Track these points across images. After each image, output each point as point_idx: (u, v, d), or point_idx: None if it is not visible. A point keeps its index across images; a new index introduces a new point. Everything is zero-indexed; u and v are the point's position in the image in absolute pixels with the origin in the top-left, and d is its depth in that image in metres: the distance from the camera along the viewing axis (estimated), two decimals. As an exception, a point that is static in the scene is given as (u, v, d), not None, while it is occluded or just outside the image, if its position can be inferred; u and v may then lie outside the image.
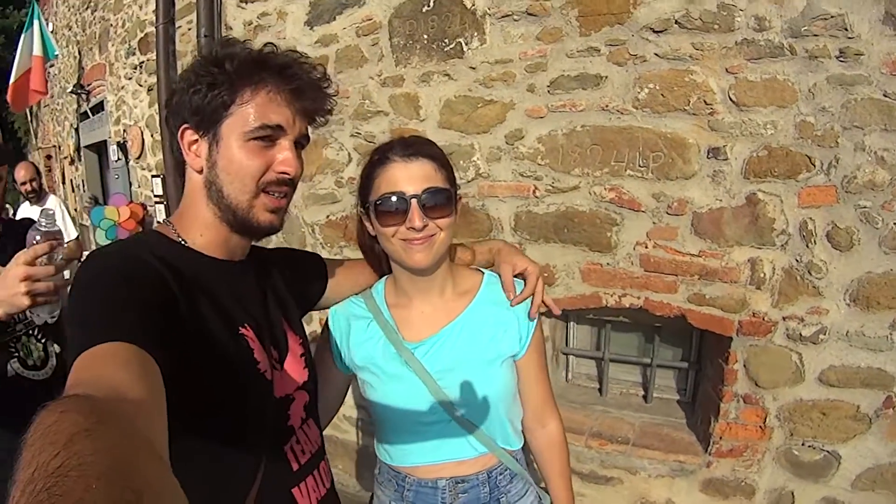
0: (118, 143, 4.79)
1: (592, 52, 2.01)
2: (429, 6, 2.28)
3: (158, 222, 0.96)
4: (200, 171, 0.91)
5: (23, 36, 6.24)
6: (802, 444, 1.87)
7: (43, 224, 1.18)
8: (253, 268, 1.02)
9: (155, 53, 3.29)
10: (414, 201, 1.05)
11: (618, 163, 2.03)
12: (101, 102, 5.41)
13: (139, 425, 0.49)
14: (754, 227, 1.82)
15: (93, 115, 5.84)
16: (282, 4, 2.67)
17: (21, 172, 4.23)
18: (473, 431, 1.17)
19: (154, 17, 3.25)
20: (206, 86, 0.87)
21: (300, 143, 0.94)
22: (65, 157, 7.60)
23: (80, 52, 6.06)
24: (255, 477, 0.89)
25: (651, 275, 2.01)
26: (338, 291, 1.26)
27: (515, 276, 1.22)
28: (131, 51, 4.21)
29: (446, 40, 2.28)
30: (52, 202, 4.42)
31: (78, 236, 3.82)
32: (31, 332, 1.67)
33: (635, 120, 1.98)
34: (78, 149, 6.83)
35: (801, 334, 1.80)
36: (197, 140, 0.91)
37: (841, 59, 1.65)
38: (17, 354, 1.62)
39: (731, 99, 1.80)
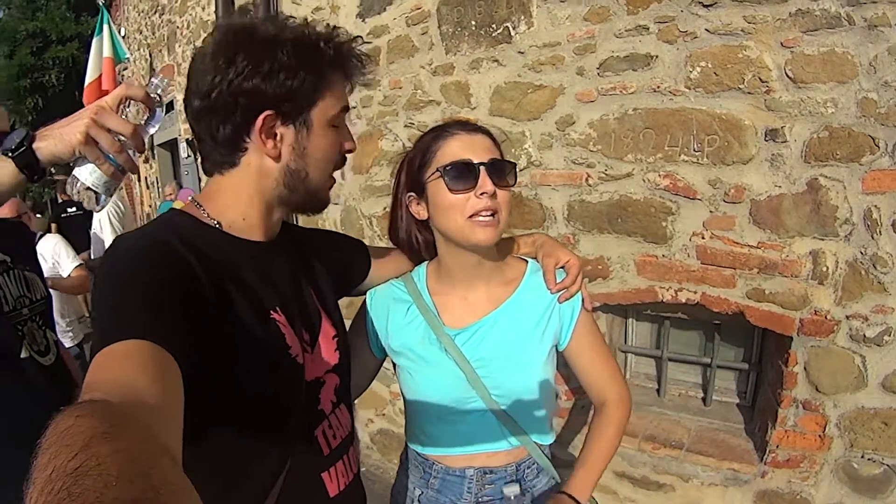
0: (187, 141, 5.54)
1: (641, 30, 2.16)
2: (475, -9, 2.53)
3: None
4: (278, 159, 0.99)
5: (94, 40, 7.33)
6: (862, 457, 1.93)
7: (153, 84, 1.13)
8: (286, 247, 1.12)
9: None
10: (483, 168, 1.18)
11: (671, 147, 2.17)
12: (172, 102, 6.25)
13: (154, 429, 0.56)
14: (816, 215, 1.90)
15: (164, 114, 6.79)
16: (335, -3, 3.05)
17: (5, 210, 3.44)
18: (508, 423, 1.30)
19: (215, 17, 3.77)
20: (282, 71, 0.93)
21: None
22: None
23: (150, 55, 7.11)
24: (284, 461, 1.00)
25: (708, 268, 2.15)
26: (380, 276, 1.41)
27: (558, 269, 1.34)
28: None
29: (494, 25, 2.52)
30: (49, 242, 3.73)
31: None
32: (35, 317, 1.84)
33: (688, 101, 2.11)
34: (151, 147, 7.88)
35: (864, 335, 1.87)
36: (280, 127, 0.98)
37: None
38: (24, 338, 1.76)
39: (787, 75, 1.89)
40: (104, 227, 4.78)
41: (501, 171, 1.21)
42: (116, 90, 1.06)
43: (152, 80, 1.14)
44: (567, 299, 1.31)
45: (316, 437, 1.07)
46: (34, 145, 1.02)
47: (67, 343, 3.36)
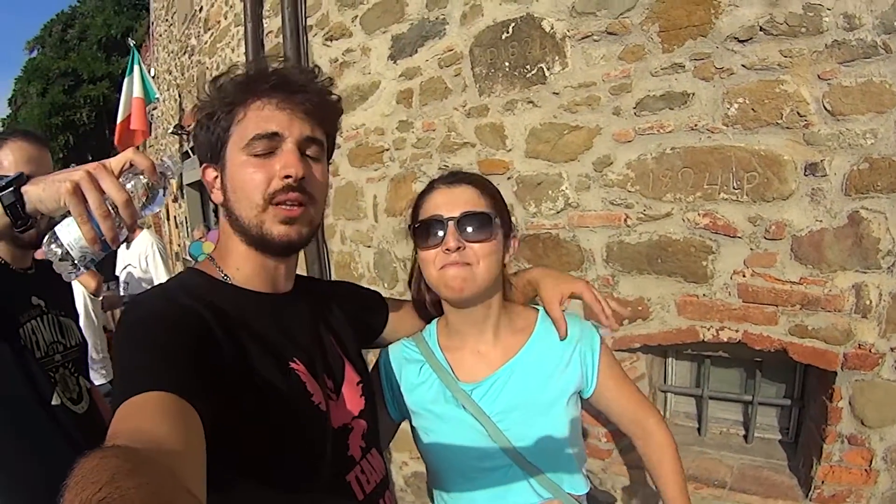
0: None
1: (677, 68, 2.33)
2: (508, 32, 2.75)
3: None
4: (222, 204, 1.11)
5: (125, 80, 8.10)
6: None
7: (165, 163, 1.03)
8: (301, 298, 1.20)
9: None
10: (451, 224, 1.26)
11: (711, 185, 2.30)
12: None
13: (176, 471, 0.62)
14: (858, 248, 1.99)
15: (193, 154, 7.25)
16: (365, 40, 3.33)
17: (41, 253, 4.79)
18: (537, 476, 1.31)
19: (245, 59, 4.09)
20: (206, 119, 1.09)
21: (309, 148, 1.09)
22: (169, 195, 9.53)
23: (180, 95, 7.68)
24: None
25: (750, 306, 2.23)
26: (398, 328, 1.49)
27: (570, 296, 1.39)
28: None
29: (528, 66, 2.72)
30: (144, 239, 4.93)
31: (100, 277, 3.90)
32: (67, 364, 1.91)
33: (726, 138, 2.24)
34: (181, 187, 8.33)
35: (911, 368, 1.91)
36: (216, 174, 1.11)
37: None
38: (57, 385, 1.83)
39: (825, 108, 2.02)
40: (152, 265, 4.83)
41: (475, 225, 1.27)
42: (123, 153, 0.99)
43: (164, 158, 1.06)
44: (616, 321, 1.37)
45: (349, 483, 1.12)
46: (23, 188, 0.96)
47: (99, 381, 3.54)
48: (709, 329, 2.35)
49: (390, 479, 1.32)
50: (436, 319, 1.48)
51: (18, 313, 1.78)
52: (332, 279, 1.63)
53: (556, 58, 2.64)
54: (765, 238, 2.19)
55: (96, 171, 0.91)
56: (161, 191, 1.02)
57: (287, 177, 1.03)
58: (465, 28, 2.91)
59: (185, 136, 7.54)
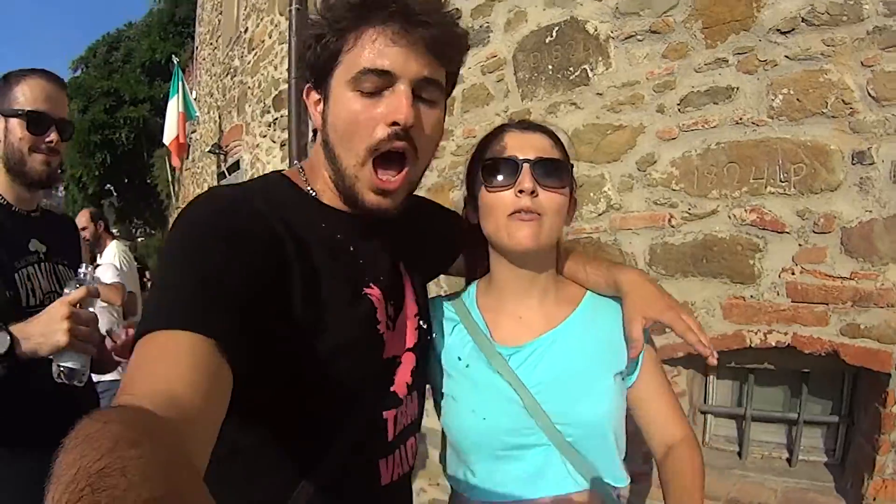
0: None
1: (720, 63, 2.50)
2: (552, 36, 2.99)
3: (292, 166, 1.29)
4: (320, 129, 1.10)
5: (170, 101, 9.00)
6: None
7: (81, 273, 1.66)
8: (385, 221, 1.14)
9: (287, 109, 4.49)
10: (526, 165, 1.25)
11: (757, 180, 2.43)
12: (238, 161, 7.43)
13: (183, 438, 0.64)
14: (910, 238, 2.07)
15: (229, 174, 7.89)
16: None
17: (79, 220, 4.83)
18: (575, 460, 1.27)
19: (287, 75, 4.45)
20: (314, 39, 1.04)
21: (425, 90, 1.03)
22: None
23: (220, 117, 8.42)
24: (347, 440, 1.07)
25: (799, 305, 2.32)
26: (458, 267, 1.52)
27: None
28: (266, 109, 5.94)
29: (571, 68, 2.93)
30: (111, 250, 5.07)
31: (123, 286, 4.38)
32: None
33: (772, 131, 2.38)
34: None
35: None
36: (318, 100, 1.10)
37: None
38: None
39: (870, 95, 2.15)
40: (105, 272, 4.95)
41: (550, 171, 1.27)
42: (76, 293, 1.59)
43: (80, 270, 1.73)
44: (708, 352, 1.28)
45: (385, 420, 1.14)
46: (17, 351, 1.53)
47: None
48: (756, 333, 2.43)
49: (420, 427, 1.29)
50: (476, 281, 1.48)
51: (14, 258, 1.81)
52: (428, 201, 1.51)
53: (600, 59, 2.84)
54: (813, 232, 2.29)
55: (73, 318, 1.53)
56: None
57: (394, 123, 0.99)
58: (509, 34, 3.16)
59: (222, 156, 8.21)
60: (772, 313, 2.39)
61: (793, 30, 2.31)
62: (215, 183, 8.78)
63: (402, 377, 1.18)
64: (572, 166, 1.35)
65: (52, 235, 1.96)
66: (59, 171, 1.96)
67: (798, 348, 2.33)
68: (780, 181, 2.36)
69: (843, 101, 2.21)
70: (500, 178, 1.27)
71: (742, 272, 2.46)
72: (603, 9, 2.81)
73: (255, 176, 5.47)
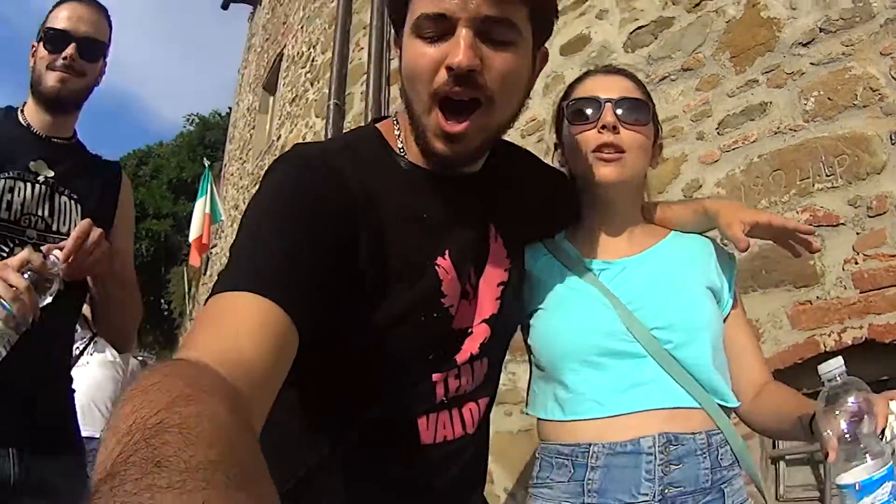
0: None
1: (751, 84, 2.73)
2: (589, 92, 3.24)
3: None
4: (401, 78, 1.11)
5: (198, 201, 9.54)
6: None
7: (51, 260, 1.46)
8: (484, 180, 1.16)
9: None
10: (608, 104, 1.32)
11: (803, 180, 2.55)
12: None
13: (243, 398, 0.64)
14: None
15: None
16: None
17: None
18: (677, 371, 1.25)
19: None
20: None
21: (494, 30, 0.98)
22: None
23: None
24: (385, 403, 1.10)
25: (869, 294, 2.34)
26: None
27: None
28: None
29: (610, 118, 3.15)
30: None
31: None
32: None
33: (809, 132, 2.54)
34: None
35: None
36: (397, 38, 1.11)
37: None
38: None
39: (894, 78, 2.31)
40: None
41: (632, 109, 1.34)
42: (21, 254, 1.42)
43: (51, 256, 1.49)
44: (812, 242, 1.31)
45: (434, 382, 1.12)
46: None
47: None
48: (829, 335, 2.42)
49: (490, 394, 1.26)
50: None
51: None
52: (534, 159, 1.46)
53: (636, 103, 3.07)
54: (868, 217, 2.36)
55: (2, 269, 1.35)
56: (55, 280, 1.46)
57: (450, 68, 0.96)
58: (547, 97, 3.44)
59: None
60: (843, 309, 2.40)
61: (813, 40, 2.55)
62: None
63: (469, 347, 1.16)
64: (654, 107, 1.42)
65: (67, 165, 1.82)
66: (88, 91, 1.86)
67: (877, 340, 2.31)
68: (826, 175, 2.47)
69: (871, 89, 2.38)
70: (583, 116, 1.35)
71: (804, 274, 2.50)
72: (636, 59, 3.11)
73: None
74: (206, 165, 10.33)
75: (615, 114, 1.30)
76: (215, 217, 9.52)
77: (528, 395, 1.46)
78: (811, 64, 2.54)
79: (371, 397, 1.09)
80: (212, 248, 10.69)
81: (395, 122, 1.17)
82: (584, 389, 1.27)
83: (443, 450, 1.15)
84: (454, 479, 1.19)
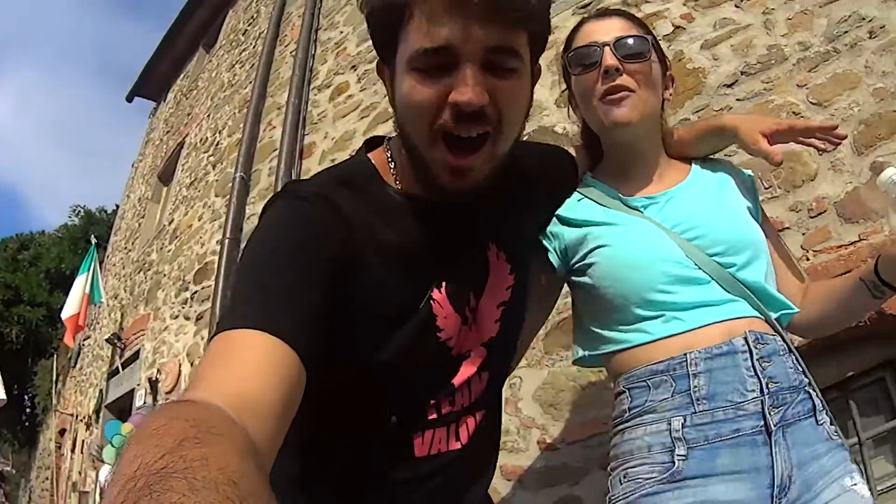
0: (149, 381, 6.47)
1: (684, 122, 3.15)
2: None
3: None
4: (393, 108, 1.07)
5: (79, 277, 9.02)
6: None
7: None
8: (483, 198, 1.08)
9: (214, 277, 5.12)
10: (607, 48, 1.34)
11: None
12: (137, 352, 7.46)
13: (251, 436, 0.64)
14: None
15: (123, 368, 7.79)
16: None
17: None
18: (742, 293, 1.30)
19: (219, 248, 5.15)
20: (369, 15, 1.01)
21: (499, 58, 0.94)
22: (81, 420, 9.53)
23: (121, 316, 8.63)
24: (380, 429, 1.13)
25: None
26: None
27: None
28: (184, 287, 6.32)
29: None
30: None
31: None
32: None
33: (744, 154, 2.97)
34: (98, 410, 8.61)
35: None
36: (386, 71, 1.07)
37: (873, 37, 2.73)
38: None
39: (812, 103, 2.85)
40: None
41: (631, 47, 1.36)
42: None
43: None
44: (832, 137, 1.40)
45: (430, 405, 1.16)
46: None
47: None
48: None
49: (489, 404, 1.28)
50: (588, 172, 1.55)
51: None
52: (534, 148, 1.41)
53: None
54: (810, 218, 2.77)
55: None
56: None
57: (456, 105, 0.93)
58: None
59: (119, 351, 8.14)
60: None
61: (735, 82, 3.05)
62: (103, 388, 8.57)
63: (466, 371, 1.18)
64: (659, 48, 1.45)
65: None
66: None
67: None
68: (766, 188, 2.92)
69: (793, 113, 2.86)
70: (585, 63, 1.39)
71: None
72: (565, 115, 3.48)
73: (155, 360, 6.36)
74: (93, 243, 9.72)
75: (615, 55, 1.34)
76: (94, 297, 8.93)
77: (577, 342, 1.49)
78: (737, 100, 3.01)
79: (365, 427, 1.13)
80: (85, 339, 9.94)
81: (386, 149, 1.16)
82: (664, 311, 1.29)
83: (435, 461, 1.18)
84: (441, 486, 1.21)
